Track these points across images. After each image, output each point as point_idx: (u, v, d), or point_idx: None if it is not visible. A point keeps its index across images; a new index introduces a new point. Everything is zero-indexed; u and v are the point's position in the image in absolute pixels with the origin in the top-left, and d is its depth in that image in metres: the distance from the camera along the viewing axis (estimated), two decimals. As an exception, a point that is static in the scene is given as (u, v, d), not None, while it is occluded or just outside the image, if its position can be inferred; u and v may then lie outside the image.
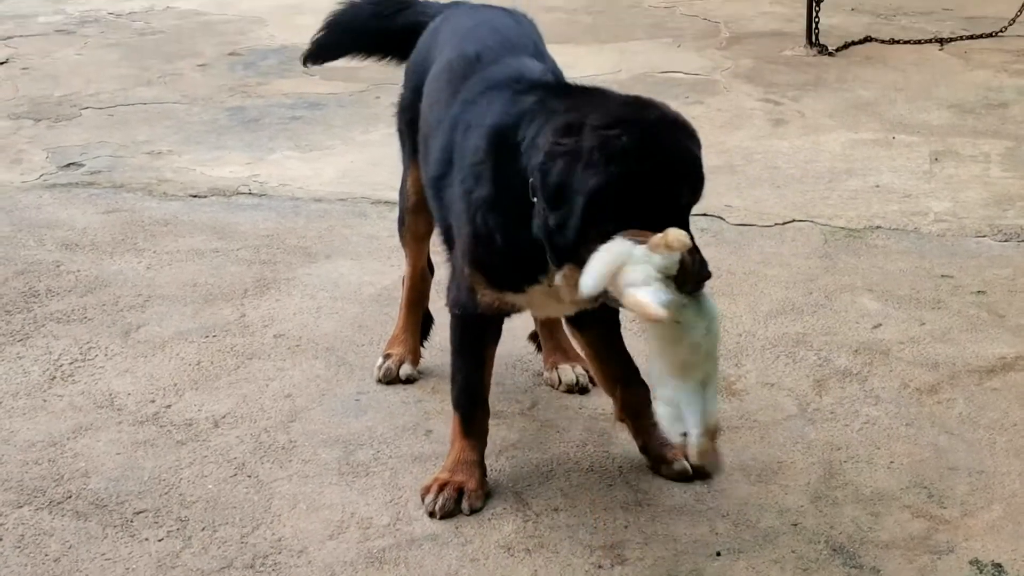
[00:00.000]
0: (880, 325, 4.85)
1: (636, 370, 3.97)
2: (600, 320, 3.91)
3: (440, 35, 4.27)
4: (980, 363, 4.57)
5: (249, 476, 3.95)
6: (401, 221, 4.50)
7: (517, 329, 4.69)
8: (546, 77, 3.80)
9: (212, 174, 6.42)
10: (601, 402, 4.23)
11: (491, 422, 3.92)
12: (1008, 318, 4.89)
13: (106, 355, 4.67)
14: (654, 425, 3.91)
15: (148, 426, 4.22)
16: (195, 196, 6.14)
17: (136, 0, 9.87)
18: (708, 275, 3.23)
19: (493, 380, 3.95)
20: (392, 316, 4.69)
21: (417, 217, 4.41)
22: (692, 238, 3.17)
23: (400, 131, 4.42)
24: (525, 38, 4.14)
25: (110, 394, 4.42)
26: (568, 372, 4.41)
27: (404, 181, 4.42)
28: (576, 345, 4.24)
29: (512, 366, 4.56)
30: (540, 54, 4.06)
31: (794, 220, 5.80)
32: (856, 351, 4.65)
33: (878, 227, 5.72)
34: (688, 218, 3.34)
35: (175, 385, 4.47)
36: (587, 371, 4.35)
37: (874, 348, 4.68)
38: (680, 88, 7.73)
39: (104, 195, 6.16)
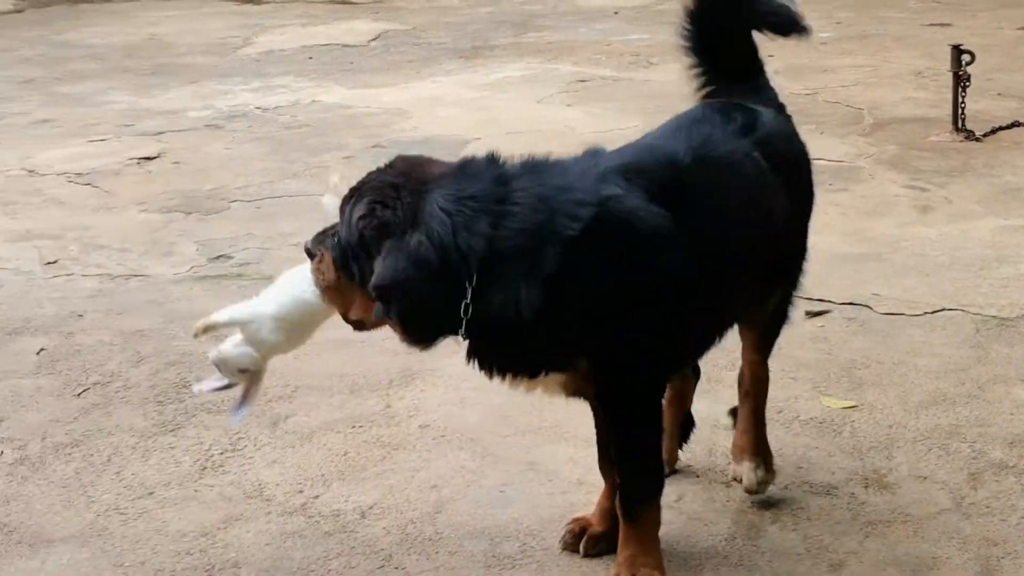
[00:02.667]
0: (1036, 416, 4.73)
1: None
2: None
3: None
4: None
5: (396, 568, 3.96)
6: None
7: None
8: None
9: (357, 265, 6.47)
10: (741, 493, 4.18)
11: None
12: None
13: (255, 445, 4.73)
14: None
15: (296, 517, 4.25)
16: (341, 287, 6.19)
17: (283, 95, 10.08)
18: None
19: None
20: (535, 406, 4.68)
21: None
22: None
23: None
24: None
25: (259, 484, 4.46)
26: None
27: None
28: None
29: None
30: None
31: (944, 309, 5.70)
32: (1011, 443, 4.53)
33: (1031, 315, 5.60)
34: None
35: (322, 476, 4.51)
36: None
37: (1030, 440, 4.57)
38: (824, 175, 7.60)
39: (253, 287, 6.19)
